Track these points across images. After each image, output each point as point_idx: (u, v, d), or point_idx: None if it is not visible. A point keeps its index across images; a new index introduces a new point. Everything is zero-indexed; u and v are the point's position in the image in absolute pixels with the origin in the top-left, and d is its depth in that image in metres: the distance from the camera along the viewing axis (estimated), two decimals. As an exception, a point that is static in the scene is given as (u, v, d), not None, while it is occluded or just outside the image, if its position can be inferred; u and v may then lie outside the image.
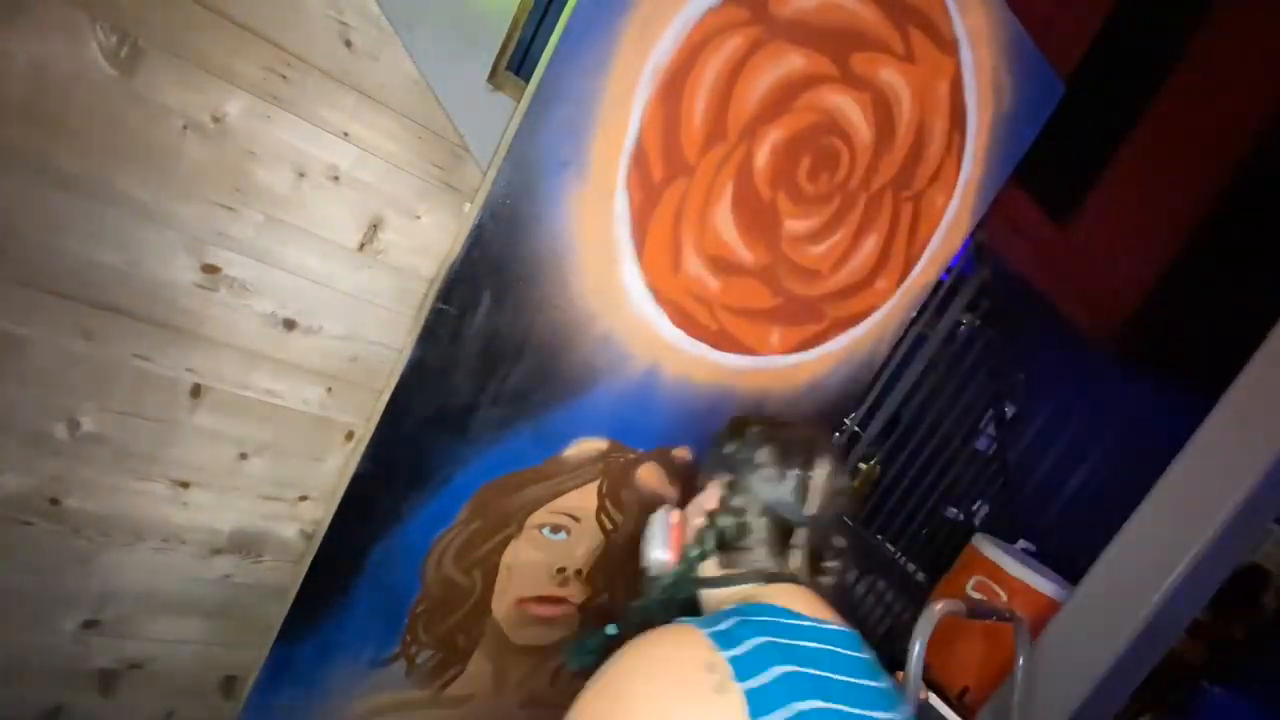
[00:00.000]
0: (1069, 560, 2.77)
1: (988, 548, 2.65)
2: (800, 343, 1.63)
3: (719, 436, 1.14)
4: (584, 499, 1.55)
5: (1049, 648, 1.99)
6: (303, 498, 1.35)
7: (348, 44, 1.12)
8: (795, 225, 1.48)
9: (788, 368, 1.64)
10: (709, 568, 1.05)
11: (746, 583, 1.00)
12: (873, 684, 0.92)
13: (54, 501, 1.15)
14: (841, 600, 1.01)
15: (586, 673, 0.90)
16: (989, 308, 3.01)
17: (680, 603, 1.06)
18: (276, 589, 1.38)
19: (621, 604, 1.73)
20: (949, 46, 1.47)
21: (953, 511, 3.71)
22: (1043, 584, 2.48)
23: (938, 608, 1.85)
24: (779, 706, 0.79)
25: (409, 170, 1.23)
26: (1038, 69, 1.61)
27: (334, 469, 1.35)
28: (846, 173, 1.48)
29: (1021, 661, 1.93)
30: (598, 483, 1.55)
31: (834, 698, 0.84)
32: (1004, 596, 2.53)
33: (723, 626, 0.86)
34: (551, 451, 1.47)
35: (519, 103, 1.16)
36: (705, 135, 1.30)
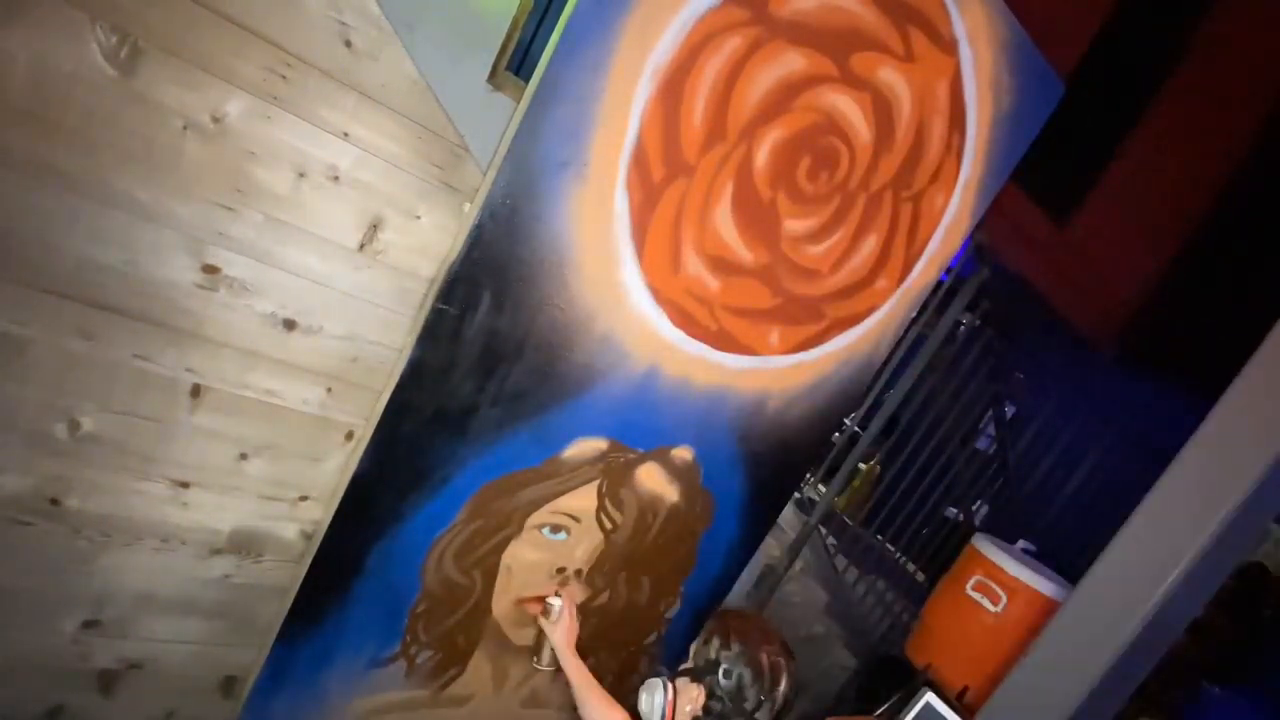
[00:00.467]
0: (1069, 560, 2.76)
1: (988, 548, 2.64)
2: (800, 343, 1.63)
3: (708, 633, 1.40)
4: (584, 499, 1.55)
5: (1049, 648, 1.99)
6: (302, 498, 1.35)
7: (348, 44, 1.12)
8: (795, 225, 1.48)
9: (788, 368, 1.64)
10: None
11: None
12: None
13: (54, 501, 1.15)
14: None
15: None
16: (989, 308, 3.00)
17: None
18: (276, 589, 1.38)
19: (622, 604, 1.73)
20: (948, 46, 1.47)
21: (953, 511, 3.70)
22: (1043, 584, 2.48)
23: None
24: None
25: (409, 170, 1.23)
26: (1038, 69, 1.61)
27: (334, 469, 1.35)
28: (846, 173, 1.48)
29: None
30: (597, 483, 1.55)
31: None
32: (1004, 596, 2.52)
33: None
34: (551, 451, 1.47)
35: (519, 103, 1.16)
36: (705, 135, 1.30)
